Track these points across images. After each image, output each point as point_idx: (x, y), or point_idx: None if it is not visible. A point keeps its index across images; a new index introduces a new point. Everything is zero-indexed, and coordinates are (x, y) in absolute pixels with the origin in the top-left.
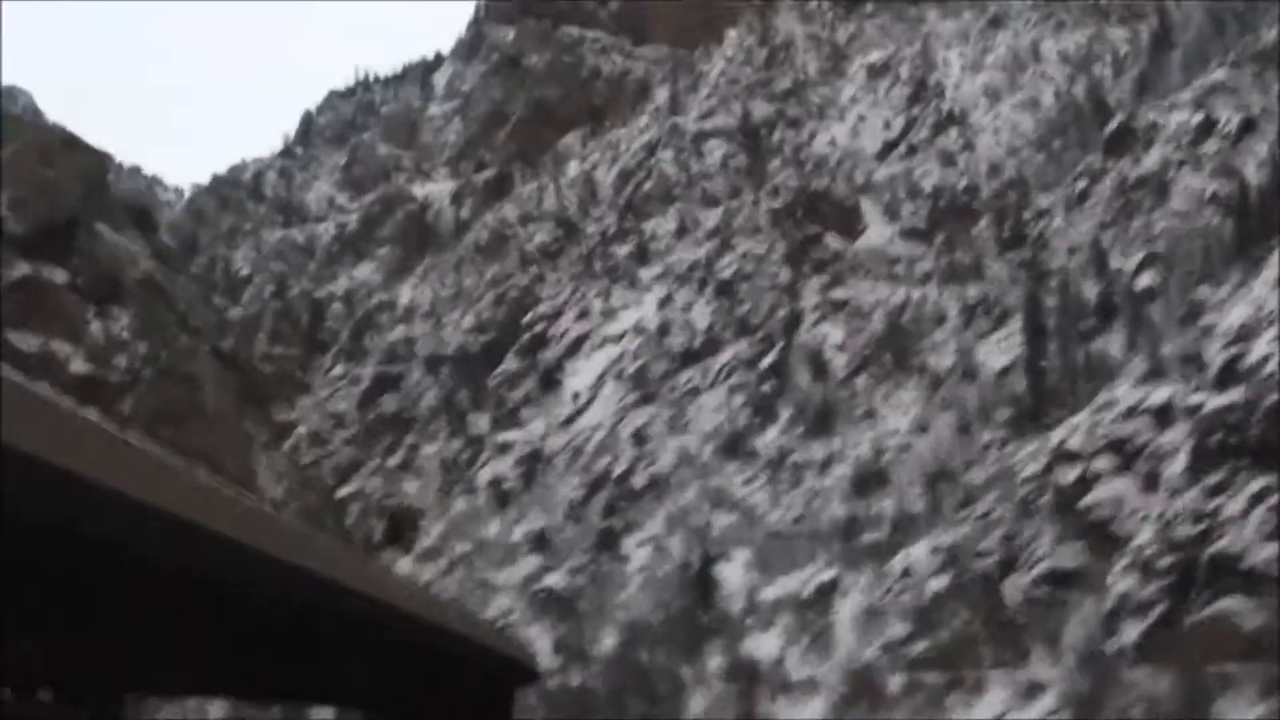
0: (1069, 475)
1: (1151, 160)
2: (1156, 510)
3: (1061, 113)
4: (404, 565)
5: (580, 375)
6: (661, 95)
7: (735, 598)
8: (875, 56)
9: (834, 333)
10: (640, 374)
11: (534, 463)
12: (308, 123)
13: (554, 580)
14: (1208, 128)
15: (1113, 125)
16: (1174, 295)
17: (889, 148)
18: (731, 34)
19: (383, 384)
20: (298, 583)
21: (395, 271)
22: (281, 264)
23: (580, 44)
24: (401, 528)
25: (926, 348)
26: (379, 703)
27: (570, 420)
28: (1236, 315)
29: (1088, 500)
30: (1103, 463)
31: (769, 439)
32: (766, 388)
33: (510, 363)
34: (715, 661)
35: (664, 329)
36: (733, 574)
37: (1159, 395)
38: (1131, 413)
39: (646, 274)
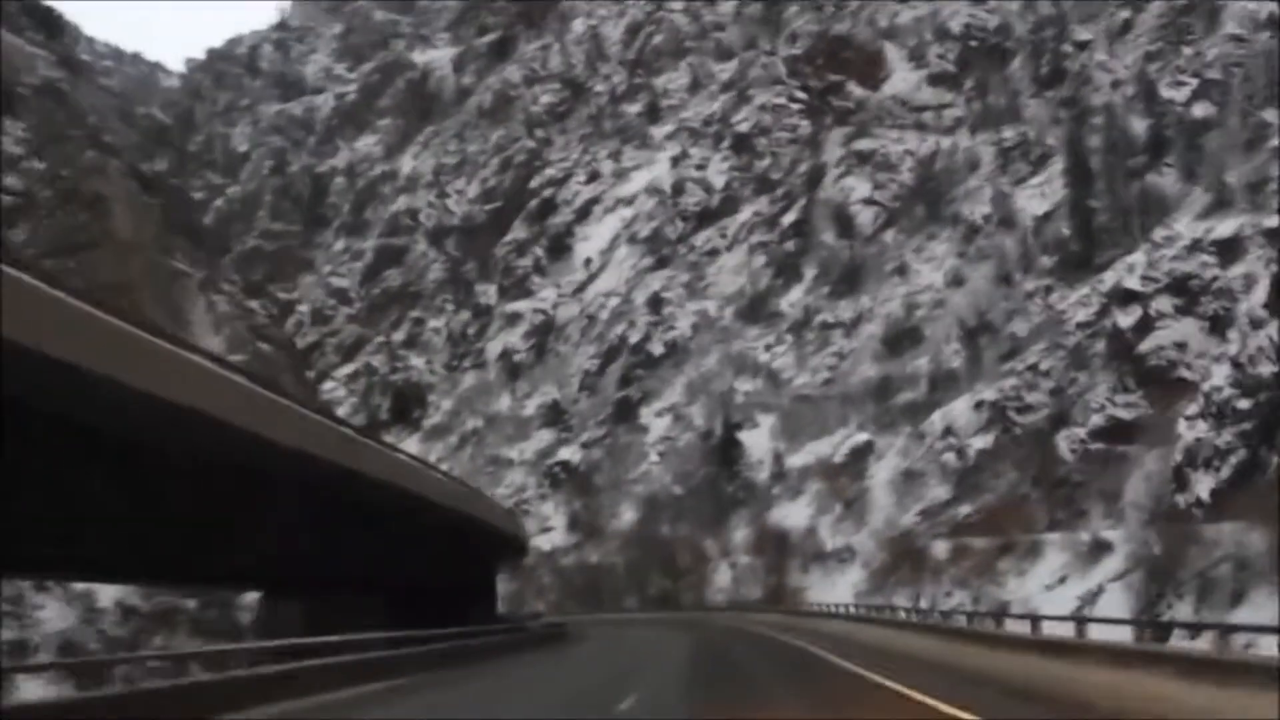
0: (1126, 319)
1: None
2: (1230, 351)
3: None
4: (412, 443)
5: (591, 240)
6: None
7: (761, 466)
8: None
9: (859, 186)
10: (655, 236)
11: (545, 333)
12: None
13: (569, 454)
14: None
15: None
16: (1233, 123)
17: None
18: None
19: (386, 258)
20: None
21: (397, 142)
22: (280, 139)
23: None
24: (409, 404)
25: (960, 197)
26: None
27: (582, 287)
28: None
29: (1148, 344)
30: (1164, 303)
31: (793, 300)
32: (789, 246)
33: (518, 230)
34: (741, 533)
35: (678, 188)
36: (758, 441)
37: (1225, 227)
38: (1195, 248)
39: (659, 132)
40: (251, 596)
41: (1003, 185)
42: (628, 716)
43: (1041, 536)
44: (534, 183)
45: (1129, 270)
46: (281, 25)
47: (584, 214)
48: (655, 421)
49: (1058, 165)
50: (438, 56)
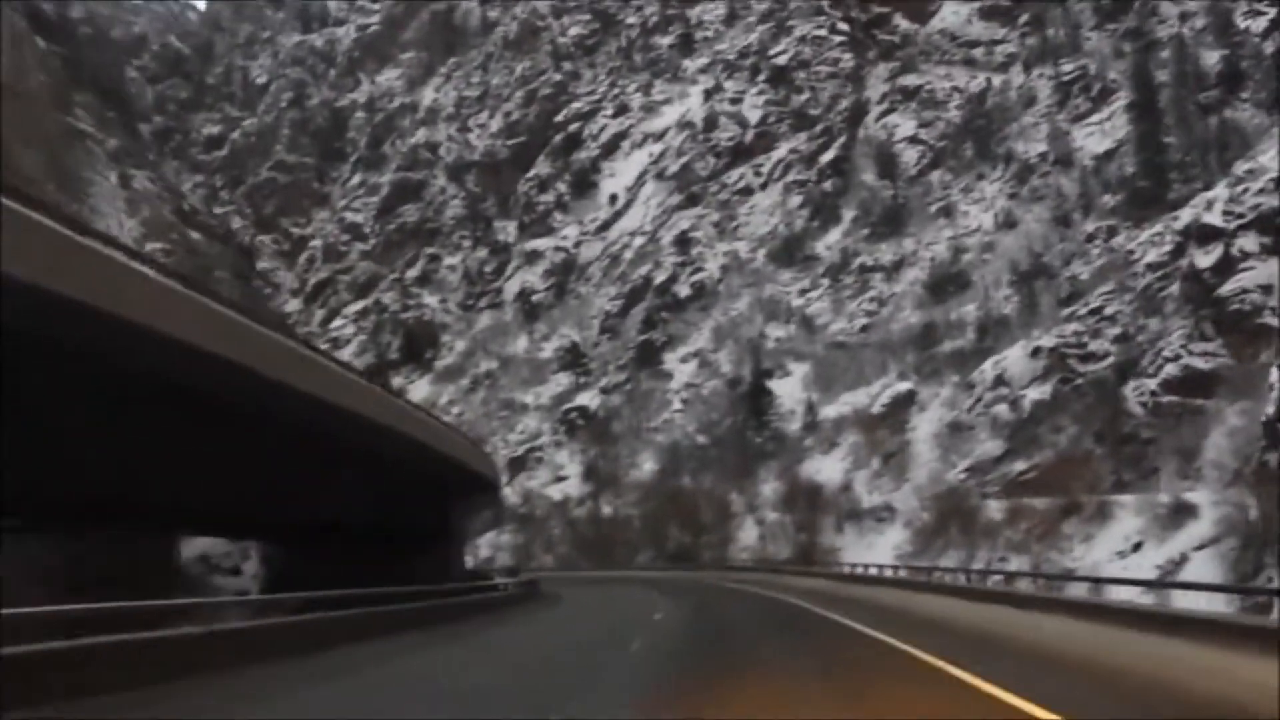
0: (1204, 259)
1: None
2: None
3: None
4: (422, 385)
5: (618, 176)
6: None
7: (792, 416)
8: None
9: (904, 124)
10: (684, 173)
11: (566, 272)
12: None
13: (587, 399)
14: None
15: None
16: None
17: None
18: None
19: (403, 193)
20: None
21: (420, 76)
22: (300, 71)
23: None
24: (420, 344)
25: (1012, 135)
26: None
27: (606, 225)
28: None
29: (1229, 287)
30: (1248, 242)
31: (830, 242)
32: (827, 186)
33: (541, 166)
34: (769, 487)
35: (711, 123)
36: (789, 390)
37: None
38: None
39: (692, 65)
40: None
41: (1060, 122)
42: None
43: (1111, 498)
44: (559, 117)
45: (1207, 207)
46: None
47: (610, 149)
48: (680, 367)
49: (1120, 101)
50: None
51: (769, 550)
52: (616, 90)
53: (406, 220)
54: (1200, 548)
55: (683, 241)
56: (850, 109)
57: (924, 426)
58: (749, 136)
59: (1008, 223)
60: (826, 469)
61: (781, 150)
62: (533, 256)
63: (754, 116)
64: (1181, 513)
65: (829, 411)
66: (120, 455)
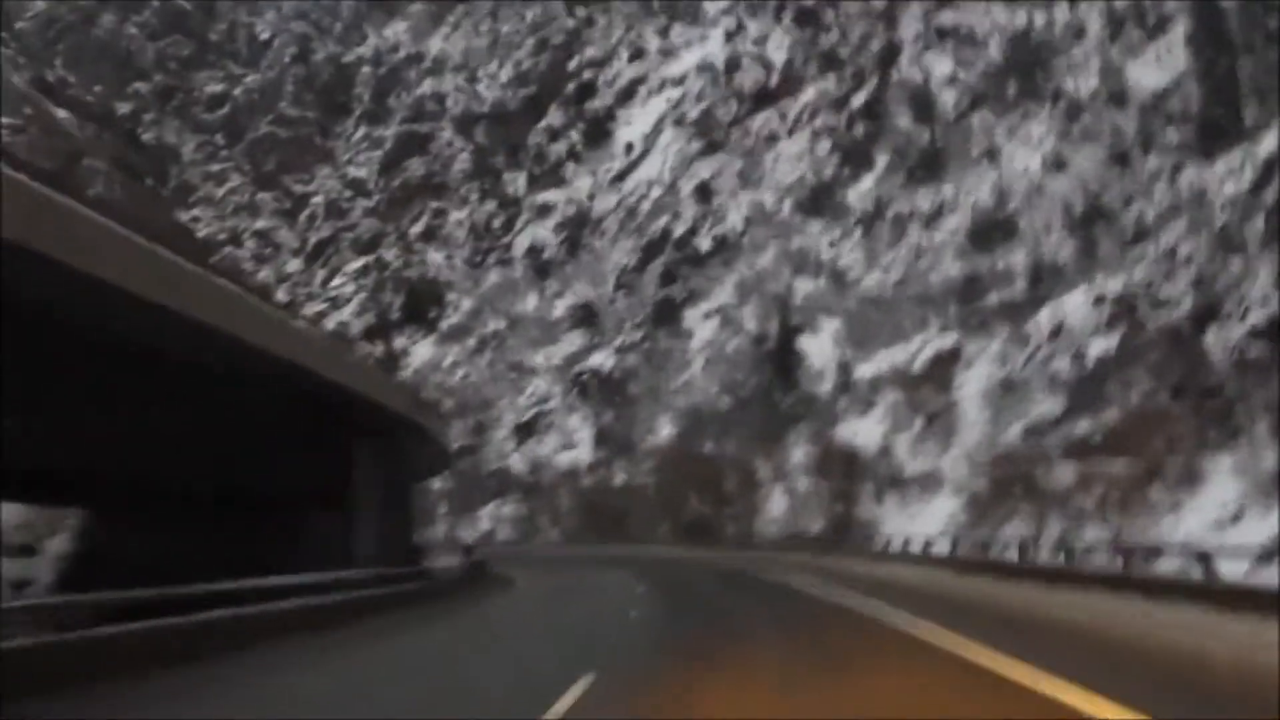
0: None
1: None
2: None
3: None
4: (426, 345)
5: (634, 124)
6: None
7: (823, 376)
8: None
9: (941, 65)
10: (705, 119)
11: (579, 226)
12: None
13: (600, 360)
14: None
15: None
16: None
17: None
18: None
19: (408, 145)
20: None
21: (427, 28)
22: (305, 25)
23: None
24: (424, 302)
25: (1060, 72)
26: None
27: (622, 176)
28: None
29: None
30: None
31: (862, 190)
32: (858, 131)
33: (553, 116)
34: (800, 453)
35: (733, 65)
36: (820, 348)
37: None
38: None
39: (713, 6)
40: None
41: (1113, 56)
42: None
43: (1202, 460)
44: (572, 65)
45: None
46: None
47: (626, 96)
48: (701, 325)
49: (1179, 31)
50: None
51: (800, 523)
52: (633, 34)
53: (412, 175)
54: None
55: (703, 191)
56: (883, 50)
57: (971, 384)
58: (774, 79)
59: (1058, 164)
60: (863, 433)
61: (809, 93)
62: (544, 210)
63: (779, 58)
64: None
65: (864, 370)
66: None
